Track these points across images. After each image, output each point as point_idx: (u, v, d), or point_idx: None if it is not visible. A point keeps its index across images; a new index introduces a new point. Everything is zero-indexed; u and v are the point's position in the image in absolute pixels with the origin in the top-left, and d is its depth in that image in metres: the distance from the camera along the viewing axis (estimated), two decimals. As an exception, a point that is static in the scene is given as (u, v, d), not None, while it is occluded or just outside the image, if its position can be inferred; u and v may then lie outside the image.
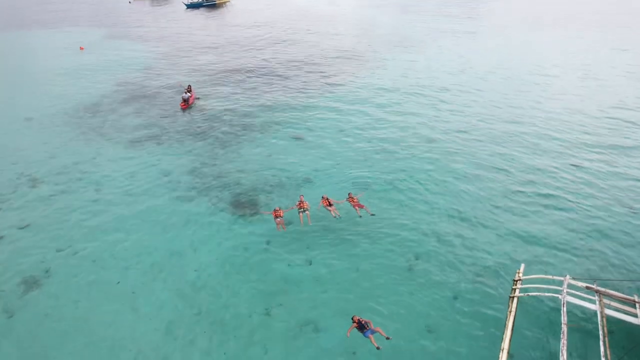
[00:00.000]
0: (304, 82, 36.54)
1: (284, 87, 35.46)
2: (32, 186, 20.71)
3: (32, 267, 15.54)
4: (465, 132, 26.63)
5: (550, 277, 12.37)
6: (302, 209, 17.65)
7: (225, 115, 29.36)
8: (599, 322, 10.72)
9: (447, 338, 12.94)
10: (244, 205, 19.33)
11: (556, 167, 22.19)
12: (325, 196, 18.22)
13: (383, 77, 37.94)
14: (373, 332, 12.42)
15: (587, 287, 11.84)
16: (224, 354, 12.37)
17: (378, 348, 11.98)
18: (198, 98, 32.39)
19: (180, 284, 14.91)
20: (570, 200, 19.32)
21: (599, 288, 11.73)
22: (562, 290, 11.68)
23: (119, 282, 15.00)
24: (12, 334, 12.99)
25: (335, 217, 17.42)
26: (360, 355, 12.47)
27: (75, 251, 16.38)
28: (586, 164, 22.52)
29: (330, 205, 17.79)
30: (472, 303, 14.07)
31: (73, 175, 21.70)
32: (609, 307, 11.37)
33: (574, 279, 12.13)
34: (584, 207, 18.83)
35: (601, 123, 27.48)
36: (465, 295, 14.41)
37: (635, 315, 11.09)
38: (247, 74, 39.28)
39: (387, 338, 12.14)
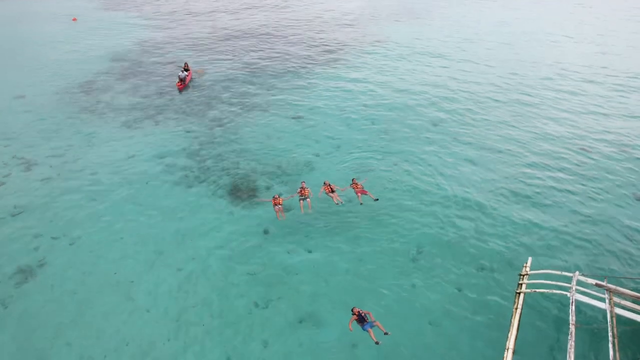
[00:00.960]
0: (305, 55, 35.23)
1: (284, 60, 34.21)
2: (26, 169, 20.17)
3: (27, 256, 15.22)
4: (472, 110, 25.73)
5: (558, 272, 11.92)
6: (303, 196, 17.10)
7: (223, 93, 28.39)
8: (609, 323, 10.35)
9: (450, 334, 12.71)
10: (243, 191, 18.82)
11: (570, 150, 21.47)
12: (327, 182, 17.62)
13: (387, 50, 36.54)
14: (372, 325, 12.18)
15: (597, 285, 11.42)
16: (223, 348, 12.18)
17: (377, 343, 11.75)
18: (197, 72, 31.25)
19: (178, 275, 14.61)
20: (583, 187, 18.73)
21: (609, 285, 11.30)
22: (570, 288, 11.27)
23: (115, 273, 14.70)
24: (8, 326, 12.80)
25: (337, 203, 16.91)
26: (360, 349, 12.28)
27: (71, 240, 16.02)
28: (602, 146, 21.77)
29: (332, 191, 17.22)
30: (476, 296, 13.77)
31: (68, 158, 21.10)
32: (620, 306, 10.97)
33: (583, 275, 11.69)
34: (598, 194, 18.26)
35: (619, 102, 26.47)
36: (469, 287, 14.09)
37: (643, 314, 10.71)
38: (246, 46, 37.87)
39: (386, 333, 11.90)
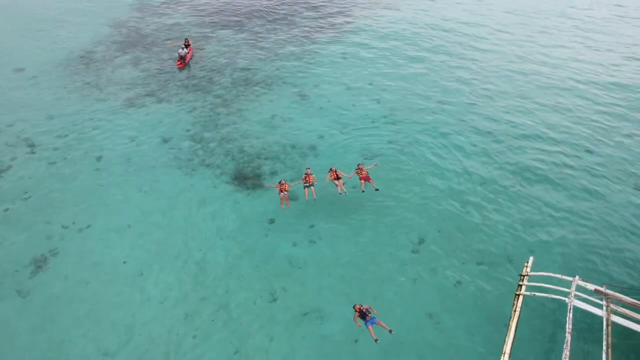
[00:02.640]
0: (310, 27, 33.77)
1: (288, 32, 32.88)
2: (31, 152, 20.21)
3: (40, 245, 15.65)
4: (483, 93, 24.99)
5: (559, 276, 12.10)
6: (308, 183, 17.04)
7: (226, 68, 27.60)
8: (604, 330, 10.65)
9: (448, 328, 13.19)
10: (248, 176, 18.85)
11: (579, 144, 21.03)
12: (333, 168, 17.41)
13: (394, 21, 34.89)
14: (373, 323, 12.59)
15: (596, 291, 11.63)
16: (230, 342, 12.79)
17: (376, 341, 12.24)
18: (197, 49, 30.02)
19: (186, 266, 15.04)
20: (591, 185, 18.52)
21: (608, 292, 11.50)
22: (569, 293, 11.50)
23: (125, 262, 15.16)
24: (27, 316, 13.44)
25: (341, 193, 16.92)
26: (362, 343, 12.85)
27: (79, 228, 16.37)
28: (621, 138, 21.29)
29: (338, 178, 17.13)
30: (475, 291, 14.14)
31: (72, 139, 21.04)
32: (617, 313, 11.21)
33: (583, 280, 11.87)
34: (607, 192, 18.06)
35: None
36: (468, 282, 14.44)
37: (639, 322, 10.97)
38: (249, 15, 36.28)
39: (390, 331, 12.34)
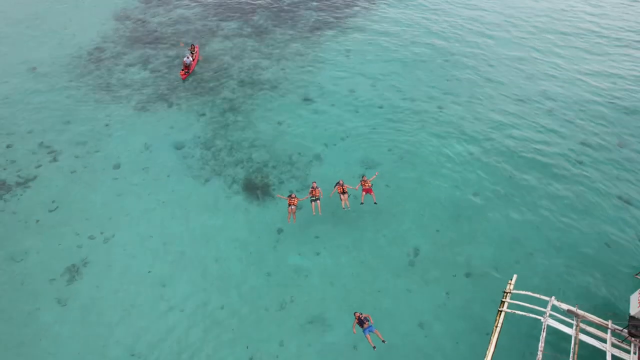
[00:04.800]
0: (314, 22, 33.83)
1: (293, 26, 33.06)
2: (53, 159, 21.56)
3: (71, 255, 17.37)
4: (486, 98, 25.72)
5: (537, 295, 13.55)
6: (314, 197, 18.25)
7: (233, 67, 28.28)
8: (572, 348, 12.29)
9: (436, 336, 14.99)
10: (257, 186, 20.23)
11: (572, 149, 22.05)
12: (341, 182, 18.43)
13: (398, 15, 34.82)
14: (371, 331, 14.37)
15: (569, 311, 13.18)
16: (247, 348, 14.68)
17: (374, 348, 14.05)
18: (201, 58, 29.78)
19: (203, 276, 16.76)
20: (578, 193, 19.74)
21: (578, 311, 13.04)
22: (545, 313, 13.06)
23: (149, 272, 16.90)
24: (68, 322, 15.35)
25: (344, 208, 18.20)
26: (360, 350, 14.71)
27: (105, 238, 18.02)
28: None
29: (344, 192, 18.28)
30: (462, 302, 15.82)
31: (90, 147, 22.31)
32: (584, 331, 12.81)
33: (558, 300, 13.38)
34: (592, 203, 19.34)
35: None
36: (456, 293, 16.11)
37: (605, 341, 12.57)
38: (254, 6, 36.23)
39: (383, 341, 14.12)
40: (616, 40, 31.42)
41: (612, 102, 25.08)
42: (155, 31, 32.66)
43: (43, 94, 25.93)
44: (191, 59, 27.44)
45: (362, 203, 18.54)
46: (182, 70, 27.13)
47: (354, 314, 14.75)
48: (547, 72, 27.99)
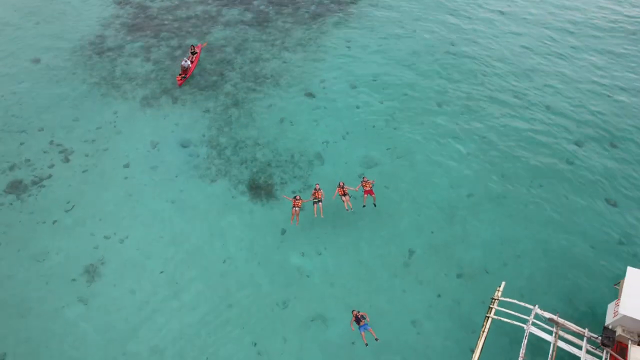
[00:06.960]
0: (315, 8, 33.35)
1: (294, 14, 32.69)
2: (65, 159, 22.40)
3: (89, 255, 18.61)
4: (487, 99, 25.98)
5: (522, 304, 14.60)
6: (317, 199, 19.14)
7: (235, 59, 28.41)
8: (549, 354, 13.57)
9: (428, 333, 16.41)
10: (261, 186, 21.15)
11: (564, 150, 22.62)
12: (341, 183, 19.27)
13: (398, 8, 34.25)
14: (365, 329, 15.74)
15: (550, 319, 14.37)
16: (254, 345, 16.19)
17: (366, 344, 15.49)
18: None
19: (213, 276, 18.06)
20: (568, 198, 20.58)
21: (559, 320, 14.18)
22: (528, 320, 14.27)
23: (162, 272, 18.20)
24: (91, 320, 16.81)
25: (347, 209, 19.12)
26: (357, 345, 16.17)
27: (120, 239, 19.20)
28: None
29: (345, 194, 19.18)
30: (452, 303, 17.13)
31: (100, 145, 23.07)
32: (563, 339, 14.04)
33: (541, 309, 14.52)
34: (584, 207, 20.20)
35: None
36: (447, 293, 17.39)
37: (580, 348, 13.83)
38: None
39: (376, 339, 15.51)
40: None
41: (606, 104, 25.40)
42: (155, 17, 32.46)
43: (49, 88, 26.36)
44: (189, 62, 26.21)
45: (364, 205, 19.48)
46: (179, 75, 25.96)
47: (352, 311, 16.11)
48: (548, 71, 28.06)
